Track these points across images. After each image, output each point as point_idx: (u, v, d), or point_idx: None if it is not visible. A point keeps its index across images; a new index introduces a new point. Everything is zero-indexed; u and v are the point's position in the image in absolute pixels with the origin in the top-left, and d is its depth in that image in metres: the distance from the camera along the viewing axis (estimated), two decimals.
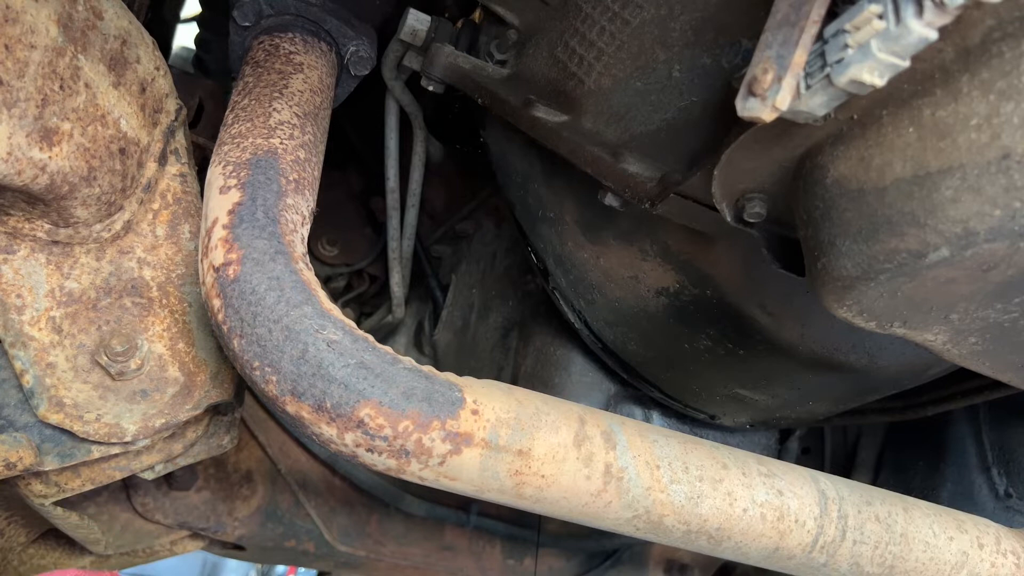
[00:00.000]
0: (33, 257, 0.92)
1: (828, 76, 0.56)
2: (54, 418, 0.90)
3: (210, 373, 0.98)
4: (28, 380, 0.90)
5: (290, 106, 0.96)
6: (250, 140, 0.89)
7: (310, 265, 0.84)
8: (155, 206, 0.99)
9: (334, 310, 0.79)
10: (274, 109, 0.94)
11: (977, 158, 0.57)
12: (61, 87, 0.80)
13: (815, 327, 1.02)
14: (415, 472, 0.79)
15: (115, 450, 0.95)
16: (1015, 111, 0.55)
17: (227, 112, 0.96)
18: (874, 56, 0.54)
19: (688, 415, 1.36)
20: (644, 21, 0.91)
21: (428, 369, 0.81)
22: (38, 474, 0.97)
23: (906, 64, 0.55)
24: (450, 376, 0.82)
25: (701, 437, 0.94)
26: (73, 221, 0.90)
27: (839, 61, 0.56)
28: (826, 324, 1.01)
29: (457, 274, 1.74)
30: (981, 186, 0.58)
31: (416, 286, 1.81)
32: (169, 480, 1.57)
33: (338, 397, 0.74)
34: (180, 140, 1.02)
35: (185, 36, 2.16)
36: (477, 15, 1.20)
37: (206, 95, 1.40)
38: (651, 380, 1.29)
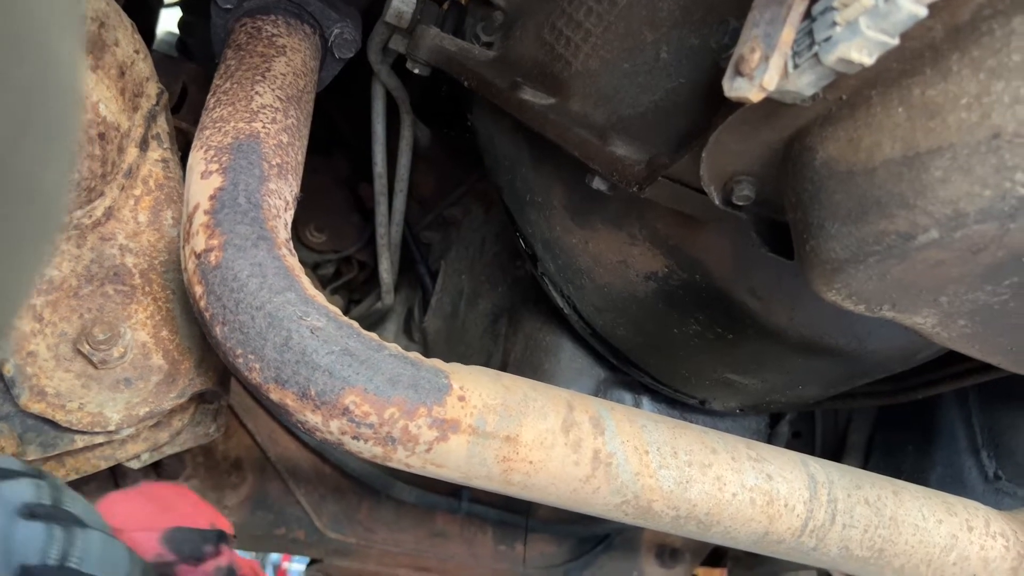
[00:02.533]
0: None
1: (816, 55, 0.56)
2: (36, 407, 0.89)
3: (194, 361, 0.97)
4: (9, 369, 0.89)
5: (272, 89, 0.95)
6: (232, 124, 0.88)
7: (293, 251, 0.83)
8: (137, 192, 0.97)
9: (318, 296, 0.78)
10: (256, 92, 0.93)
11: (967, 138, 0.57)
12: None
13: (804, 311, 1.02)
14: (401, 459, 0.78)
15: (99, 439, 0.94)
16: (1005, 90, 0.54)
17: (209, 96, 0.94)
18: (863, 34, 0.53)
19: (678, 400, 1.35)
20: (631, 2, 0.90)
21: (414, 355, 0.80)
22: None
23: (895, 42, 0.54)
24: (436, 362, 0.81)
25: (691, 422, 0.93)
26: None
27: (827, 39, 0.55)
28: (815, 308, 1.01)
29: (446, 260, 1.73)
30: (971, 166, 0.57)
31: (405, 272, 1.79)
32: (157, 469, 1.56)
33: (322, 384, 0.74)
34: (162, 125, 1.00)
35: (170, 21, 2.13)
36: None
37: (189, 79, 1.38)
38: (640, 365, 1.29)
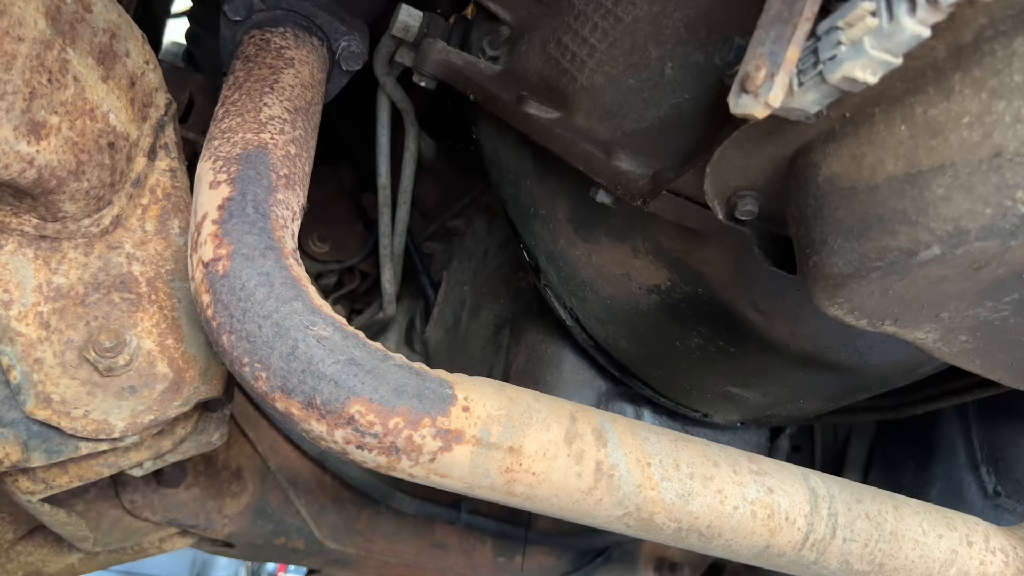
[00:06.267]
0: (20, 252, 0.91)
1: (821, 73, 0.56)
2: (41, 414, 0.90)
3: (199, 369, 0.98)
4: (15, 376, 0.90)
5: (281, 101, 0.95)
6: (240, 135, 0.88)
7: (300, 261, 0.83)
8: (144, 201, 0.98)
9: (324, 306, 0.79)
10: (264, 104, 0.94)
11: (969, 156, 0.57)
12: (49, 80, 0.80)
13: (806, 325, 1.02)
14: (405, 469, 0.78)
15: (103, 446, 0.94)
16: (1007, 109, 0.55)
17: (217, 107, 0.95)
18: (867, 53, 0.53)
19: (679, 413, 1.36)
20: (637, 18, 0.91)
21: (419, 366, 0.81)
22: (25, 471, 0.96)
23: (899, 62, 0.55)
24: (441, 373, 0.81)
25: (692, 435, 0.94)
26: (61, 216, 0.90)
27: (832, 58, 0.55)
28: (817, 322, 1.01)
29: (449, 271, 1.73)
30: (973, 184, 0.58)
31: (407, 283, 1.80)
32: (158, 477, 1.56)
33: (328, 393, 0.74)
34: (170, 135, 1.01)
35: (176, 32, 2.15)
36: (470, 11, 1.19)
37: (196, 89, 1.39)
38: (642, 378, 1.29)
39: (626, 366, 1.28)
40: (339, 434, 0.75)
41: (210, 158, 0.87)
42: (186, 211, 1.00)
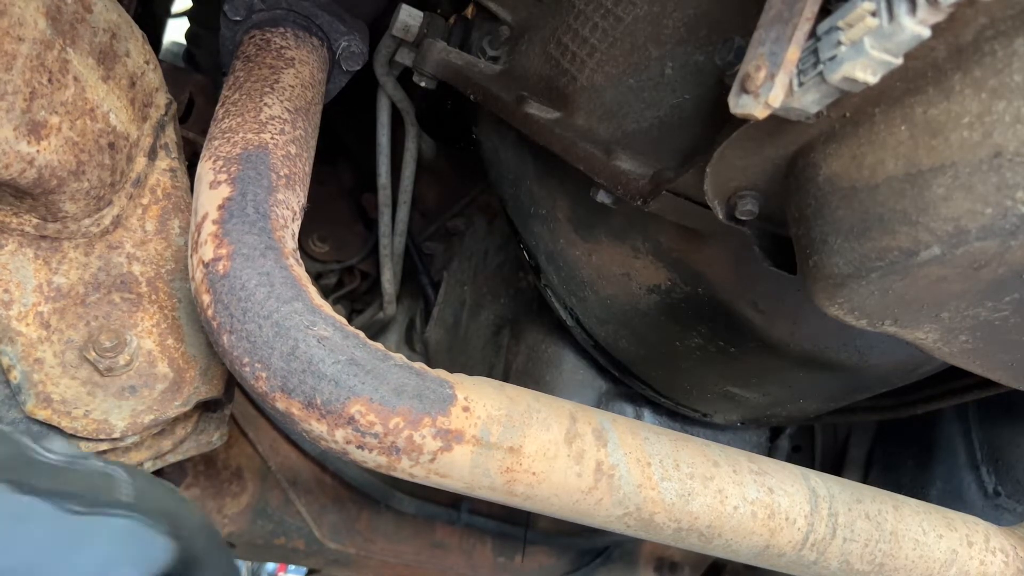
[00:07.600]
0: (21, 252, 0.91)
1: (821, 73, 0.56)
2: (42, 414, 0.90)
3: (200, 369, 0.98)
4: (15, 376, 0.90)
5: (281, 101, 0.96)
6: (240, 135, 0.89)
7: (300, 261, 0.83)
8: (144, 201, 0.98)
9: (324, 306, 0.79)
10: (265, 104, 0.94)
11: (969, 156, 0.57)
12: (49, 80, 0.80)
13: (806, 325, 1.02)
14: (405, 469, 0.79)
15: (103, 446, 0.94)
16: (1007, 109, 0.55)
17: (217, 107, 0.95)
18: (867, 53, 0.53)
19: (679, 413, 1.36)
20: (637, 18, 0.91)
21: (419, 366, 0.81)
22: None
23: (899, 62, 0.55)
24: (441, 373, 0.81)
25: (692, 435, 0.94)
26: (61, 216, 0.90)
27: (832, 58, 0.55)
28: (817, 322, 1.01)
29: (449, 271, 1.73)
30: (973, 184, 0.58)
31: (407, 283, 1.80)
32: (158, 477, 1.56)
33: (328, 393, 0.74)
34: (170, 135, 1.01)
35: (176, 32, 2.15)
36: (470, 11, 1.19)
37: (196, 90, 1.39)
38: (642, 378, 1.29)
39: (626, 366, 1.28)
40: (339, 434, 0.75)
41: (210, 158, 0.87)
42: (186, 211, 1.00)
